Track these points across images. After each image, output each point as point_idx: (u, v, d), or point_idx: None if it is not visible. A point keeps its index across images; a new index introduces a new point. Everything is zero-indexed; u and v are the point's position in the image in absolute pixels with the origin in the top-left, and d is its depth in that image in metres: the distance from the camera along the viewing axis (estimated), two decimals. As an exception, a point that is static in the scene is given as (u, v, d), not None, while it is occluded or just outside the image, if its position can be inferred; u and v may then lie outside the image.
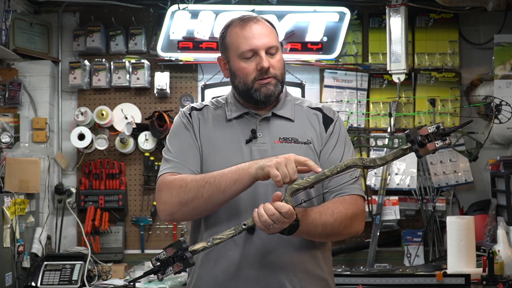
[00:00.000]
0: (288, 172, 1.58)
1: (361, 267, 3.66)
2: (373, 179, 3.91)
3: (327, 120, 1.88)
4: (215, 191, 1.67)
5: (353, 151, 1.90)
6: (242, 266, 1.73)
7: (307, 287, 1.77)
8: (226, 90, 1.97)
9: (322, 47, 3.84)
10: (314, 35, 3.83)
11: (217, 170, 1.71)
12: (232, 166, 1.69)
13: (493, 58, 3.76)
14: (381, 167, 3.88)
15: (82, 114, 3.84)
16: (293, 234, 1.64)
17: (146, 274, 1.62)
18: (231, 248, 1.74)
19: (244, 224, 1.60)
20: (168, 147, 1.85)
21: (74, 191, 3.88)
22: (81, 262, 3.53)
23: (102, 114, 3.85)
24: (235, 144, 1.80)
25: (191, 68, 3.98)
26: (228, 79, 1.89)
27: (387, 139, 3.63)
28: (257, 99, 1.82)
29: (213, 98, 2.01)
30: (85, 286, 3.45)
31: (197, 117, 1.88)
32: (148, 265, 3.56)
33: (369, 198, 3.82)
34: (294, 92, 3.67)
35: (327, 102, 3.85)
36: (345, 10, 3.83)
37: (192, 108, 1.91)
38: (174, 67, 3.96)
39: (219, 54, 1.91)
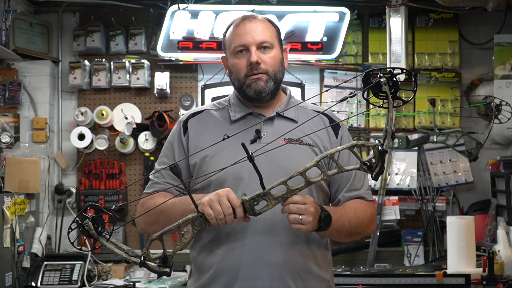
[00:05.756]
0: (221, 209, 1.57)
1: (361, 267, 3.65)
2: (373, 179, 3.90)
3: (335, 124, 1.88)
4: (168, 220, 1.73)
5: None
6: (246, 266, 1.73)
7: None
8: (226, 90, 1.98)
9: (322, 47, 3.84)
10: (314, 35, 3.84)
11: (223, 171, 1.71)
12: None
13: (493, 58, 3.76)
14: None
15: (82, 114, 3.84)
16: (326, 231, 1.68)
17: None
18: (236, 247, 1.74)
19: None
20: (161, 154, 1.95)
21: (74, 191, 3.88)
22: (81, 262, 3.52)
23: (102, 114, 3.85)
24: (240, 145, 1.76)
25: (191, 68, 3.98)
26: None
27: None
28: (249, 95, 1.84)
29: (213, 100, 2.01)
30: (85, 286, 3.44)
31: (195, 123, 1.89)
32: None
33: (369, 198, 3.82)
34: (294, 92, 3.67)
35: (327, 102, 3.85)
36: (345, 10, 3.83)
37: (191, 115, 1.92)
38: (174, 67, 3.96)
39: (220, 54, 1.93)
